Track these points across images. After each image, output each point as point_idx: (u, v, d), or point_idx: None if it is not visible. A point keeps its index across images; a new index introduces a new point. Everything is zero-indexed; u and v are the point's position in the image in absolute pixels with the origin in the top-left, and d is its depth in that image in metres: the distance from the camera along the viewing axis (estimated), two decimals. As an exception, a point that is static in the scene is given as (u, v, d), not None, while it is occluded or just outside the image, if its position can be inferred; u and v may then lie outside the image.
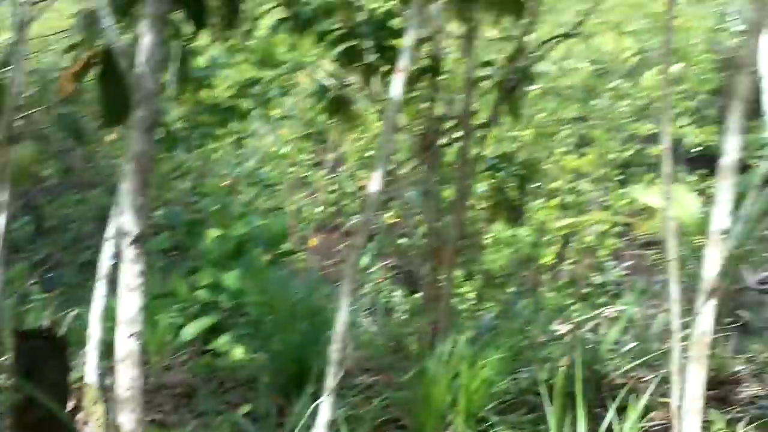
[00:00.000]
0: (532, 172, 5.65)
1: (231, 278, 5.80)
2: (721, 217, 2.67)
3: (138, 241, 2.41)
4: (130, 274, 2.38)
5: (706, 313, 2.65)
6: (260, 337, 5.01)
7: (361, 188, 9.99)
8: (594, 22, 9.86)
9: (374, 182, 3.05)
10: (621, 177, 9.97)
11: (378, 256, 8.71)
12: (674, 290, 3.08)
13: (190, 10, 2.76)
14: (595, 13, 8.73)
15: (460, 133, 4.88)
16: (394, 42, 4.70)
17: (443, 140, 5.05)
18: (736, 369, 4.73)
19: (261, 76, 8.59)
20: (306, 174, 10.53)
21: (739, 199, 7.91)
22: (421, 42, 5.04)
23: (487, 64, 4.95)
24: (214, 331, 5.56)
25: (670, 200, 3.29)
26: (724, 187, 2.67)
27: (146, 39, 2.31)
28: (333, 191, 10.59)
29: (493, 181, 5.19)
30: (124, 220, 2.42)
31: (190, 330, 5.51)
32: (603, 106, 10.01)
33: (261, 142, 10.31)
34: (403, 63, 3.19)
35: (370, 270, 8.38)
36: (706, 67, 12.23)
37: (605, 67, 10.30)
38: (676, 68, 10.79)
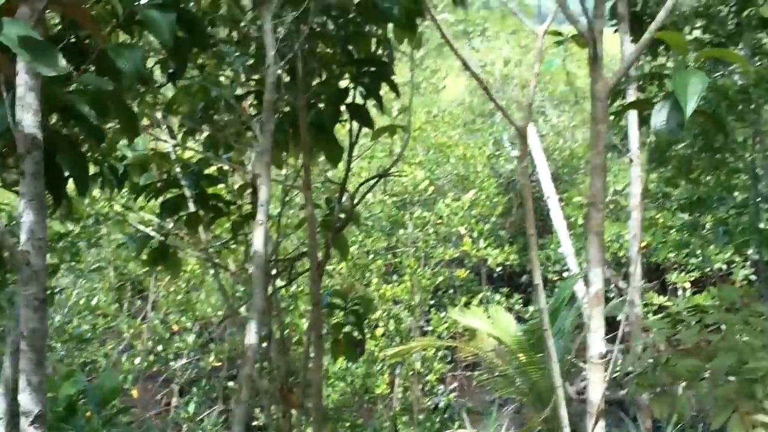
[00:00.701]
0: (367, 307, 5.85)
1: (64, 444, 5.44)
2: (597, 342, 2.90)
3: (38, 419, 2.32)
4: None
5: None
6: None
7: (174, 334, 9.77)
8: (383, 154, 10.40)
9: (250, 335, 3.11)
10: (436, 301, 10.41)
11: (205, 401, 8.48)
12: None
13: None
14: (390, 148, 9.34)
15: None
16: (213, 190, 4.87)
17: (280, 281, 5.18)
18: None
19: (67, 230, 8.35)
20: (119, 323, 10.15)
21: (554, 314, 8.38)
22: (242, 188, 5.25)
23: (317, 206, 5.20)
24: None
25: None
26: (597, 315, 2.92)
27: (26, 218, 2.28)
28: (149, 339, 10.25)
29: (333, 319, 5.33)
30: (22, 398, 2.32)
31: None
32: (408, 235, 10.46)
33: (69, 294, 9.86)
34: (261, 216, 3.33)
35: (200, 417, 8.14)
36: (492, 191, 13.12)
37: (405, 198, 10.79)
38: (469, 195, 11.54)
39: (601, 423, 2.85)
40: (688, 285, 11.65)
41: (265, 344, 5.11)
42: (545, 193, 13.28)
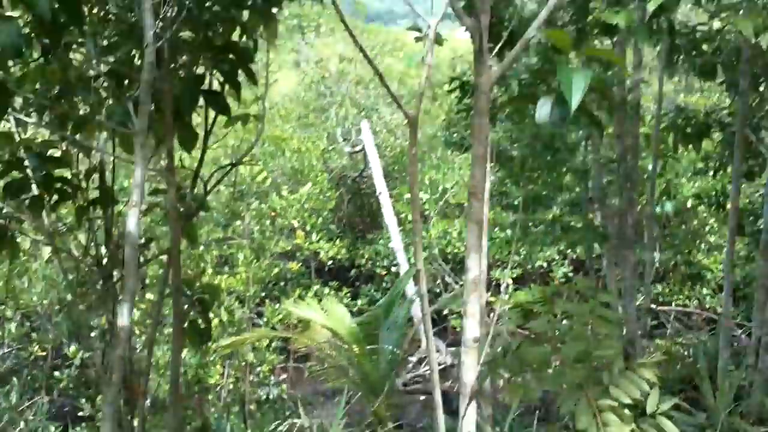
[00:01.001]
0: (213, 295, 5.77)
1: None
2: (472, 327, 3.00)
3: None
4: None
5: (470, 414, 2.95)
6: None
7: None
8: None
9: (123, 317, 3.00)
10: (267, 293, 10.33)
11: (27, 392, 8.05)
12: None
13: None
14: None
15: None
16: (59, 173, 4.64)
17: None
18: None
19: None
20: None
21: (388, 308, 8.53)
22: (89, 172, 5.04)
23: (156, 191, 5.09)
24: None
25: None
26: (473, 300, 3.02)
27: None
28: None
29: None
30: None
31: None
32: (245, 226, 10.34)
33: None
34: (135, 197, 3.23)
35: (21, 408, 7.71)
36: (326, 186, 13.21)
37: (243, 189, 10.65)
38: (305, 188, 11.55)
39: (473, 404, 2.95)
40: (510, 281, 12.19)
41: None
42: (377, 189, 13.57)
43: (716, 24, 5.45)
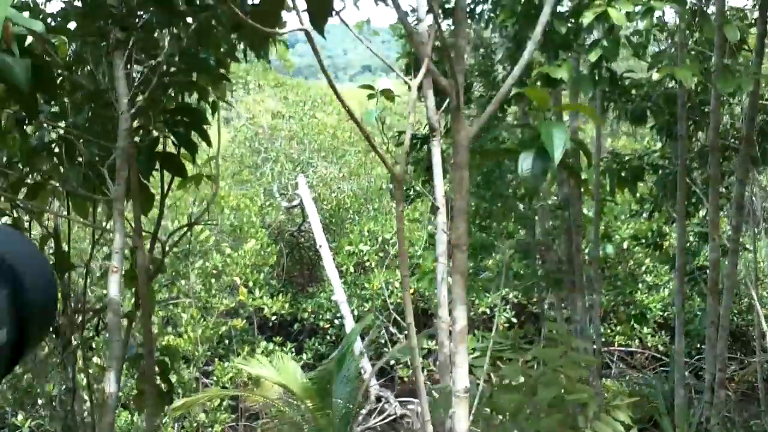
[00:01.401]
0: (172, 357, 5.74)
1: None
2: (462, 377, 3.06)
3: None
4: None
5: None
6: None
7: None
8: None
9: (111, 383, 2.97)
10: (212, 352, 10.21)
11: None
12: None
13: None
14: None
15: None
16: None
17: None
18: None
19: None
20: None
21: (340, 362, 8.53)
22: (44, 238, 5.00)
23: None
24: None
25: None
26: (461, 351, 3.08)
27: None
28: None
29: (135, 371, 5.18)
30: None
31: None
32: (190, 285, 10.25)
33: None
34: (116, 263, 3.24)
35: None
36: (265, 241, 13.20)
37: (186, 249, 10.57)
38: (249, 245, 11.53)
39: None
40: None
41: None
42: (317, 242, 13.61)
43: (655, 75, 5.73)
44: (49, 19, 4.08)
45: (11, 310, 0.86)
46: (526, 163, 2.84)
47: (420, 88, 3.35)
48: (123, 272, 4.14)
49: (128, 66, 3.79)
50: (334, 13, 2.99)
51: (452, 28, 3.11)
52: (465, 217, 3.09)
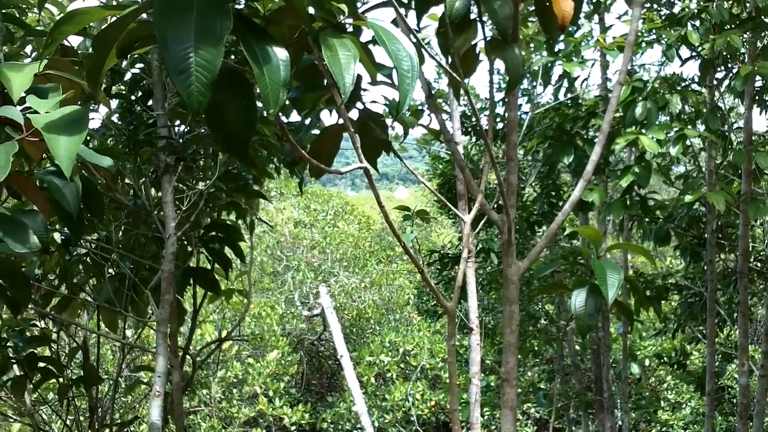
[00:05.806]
0: None
1: None
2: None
3: None
4: None
5: None
6: None
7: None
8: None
9: None
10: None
11: None
12: None
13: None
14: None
15: None
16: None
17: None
18: None
19: None
20: None
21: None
22: (72, 351, 5.06)
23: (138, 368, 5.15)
24: None
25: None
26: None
27: None
28: None
29: None
30: None
31: None
32: (212, 395, 10.24)
33: None
34: (158, 387, 3.30)
35: None
36: (286, 350, 13.22)
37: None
38: (272, 355, 11.55)
39: None
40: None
41: None
42: (338, 352, 13.56)
43: (687, 197, 5.87)
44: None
45: None
46: (579, 300, 2.92)
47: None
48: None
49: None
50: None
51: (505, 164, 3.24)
52: (515, 352, 3.15)
